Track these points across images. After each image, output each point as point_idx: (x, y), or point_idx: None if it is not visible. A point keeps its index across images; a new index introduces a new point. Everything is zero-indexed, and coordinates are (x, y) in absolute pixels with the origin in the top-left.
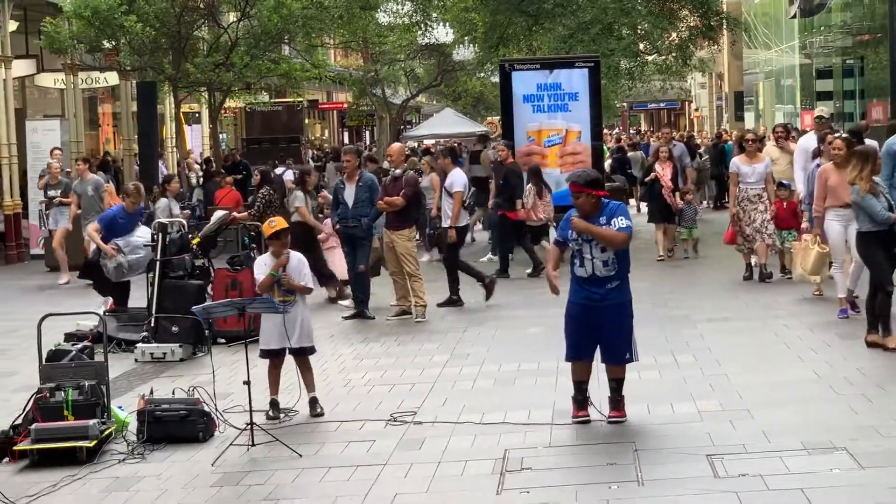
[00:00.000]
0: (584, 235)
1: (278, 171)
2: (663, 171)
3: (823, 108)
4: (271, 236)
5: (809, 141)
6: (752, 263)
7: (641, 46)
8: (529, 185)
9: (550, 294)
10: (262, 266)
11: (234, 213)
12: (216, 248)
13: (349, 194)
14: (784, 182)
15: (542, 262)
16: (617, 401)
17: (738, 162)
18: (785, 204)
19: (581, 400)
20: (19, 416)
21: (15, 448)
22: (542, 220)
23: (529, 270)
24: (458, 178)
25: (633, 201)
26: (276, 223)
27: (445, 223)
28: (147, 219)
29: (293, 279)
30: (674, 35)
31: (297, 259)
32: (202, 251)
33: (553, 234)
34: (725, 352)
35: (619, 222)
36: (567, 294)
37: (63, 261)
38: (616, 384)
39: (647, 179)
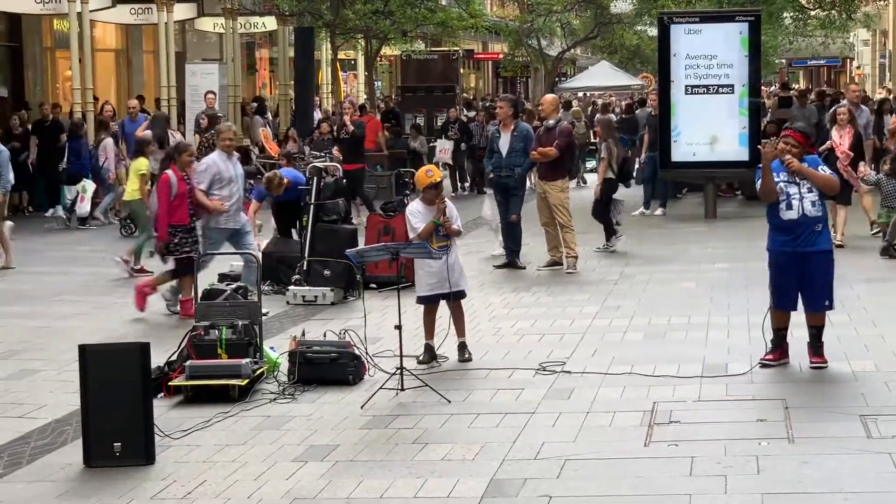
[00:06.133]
0: (791, 177)
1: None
2: (841, 140)
3: None
4: (428, 186)
5: None
6: None
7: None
8: None
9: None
10: (417, 214)
11: None
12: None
13: (504, 143)
14: None
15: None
16: (817, 346)
17: None
18: None
19: (777, 345)
20: (174, 352)
21: (170, 384)
22: None
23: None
24: None
25: None
26: (433, 173)
27: None
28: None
29: (451, 224)
30: None
31: (451, 205)
32: None
33: None
34: (882, 313)
35: (826, 169)
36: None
37: None
38: (816, 331)
39: (821, 149)
